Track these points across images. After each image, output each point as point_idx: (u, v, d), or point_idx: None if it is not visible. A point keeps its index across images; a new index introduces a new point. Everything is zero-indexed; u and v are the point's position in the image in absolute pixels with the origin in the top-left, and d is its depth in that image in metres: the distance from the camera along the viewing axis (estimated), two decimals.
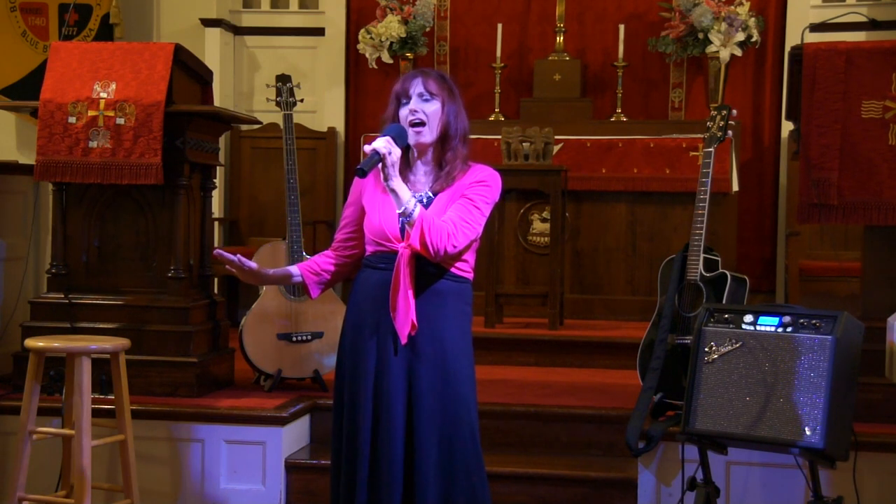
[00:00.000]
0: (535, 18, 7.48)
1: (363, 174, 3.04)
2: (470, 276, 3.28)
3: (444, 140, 3.21)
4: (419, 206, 3.10)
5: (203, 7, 7.45)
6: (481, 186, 3.21)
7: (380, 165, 3.07)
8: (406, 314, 3.12)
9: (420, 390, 3.17)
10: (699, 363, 3.56)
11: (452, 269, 3.21)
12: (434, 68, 7.32)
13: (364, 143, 6.96)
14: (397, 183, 3.07)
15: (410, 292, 3.12)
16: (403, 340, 3.14)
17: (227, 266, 3.26)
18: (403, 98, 3.21)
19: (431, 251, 3.08)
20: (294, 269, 3.37)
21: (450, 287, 3.22)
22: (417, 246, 3.07)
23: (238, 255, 3.24)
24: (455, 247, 3.12)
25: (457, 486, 3.18)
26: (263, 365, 4.92)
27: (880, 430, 4.08)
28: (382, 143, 3.05)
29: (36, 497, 4.10)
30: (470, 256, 3.24)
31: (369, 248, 3.26)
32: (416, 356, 3.17)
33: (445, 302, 3.21)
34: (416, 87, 3.20)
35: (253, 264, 3.27)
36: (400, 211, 3.08)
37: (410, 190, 3.19)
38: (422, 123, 3.18)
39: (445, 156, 3.21)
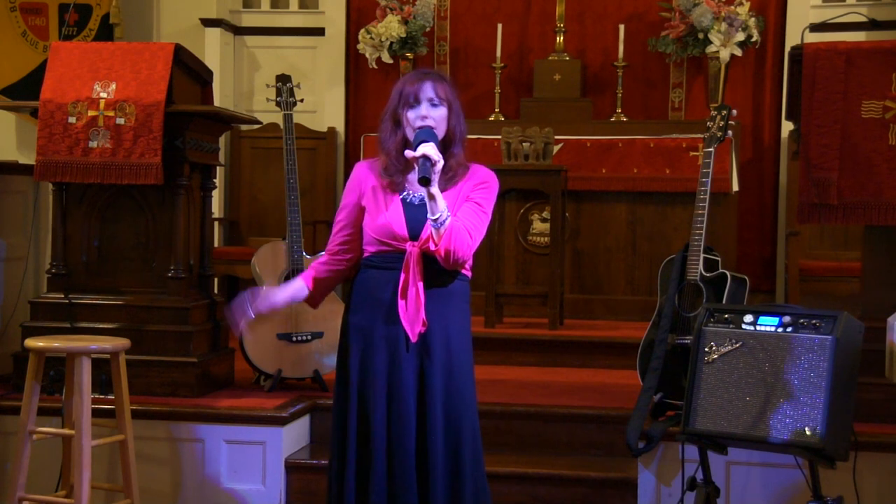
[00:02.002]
0: (535, 18, 7.48)
1: (428, 182, 3.03)
2: (470, 273, 3.32)
3: (446, 143, 3.23)
4: (450, 214, 3.12)
5: (203, 7, 7.45)
6: (484, 189, 3.25)
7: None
8: (417, 312, 3.15)
9: (430, 387, 3.20)
10: (699, 363, 3.56)
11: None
12: (434, 68, 7.39)
13: (365, 144, 6.98)
14: (437, 189, 3.08)
15: (421, 290, 3.14)
16: (414, 339, 3.17)
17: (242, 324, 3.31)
18: (412, 100, 3.21)
19: (451, 259, 3.12)
20: (300, 284, 3.36)
21: (454, 285, 3.25)
22: (441, 252, 3.11)
23: (252, 306, 3.29)
24: (470, 255, 3.18)
25: (464, 480, 3.21)
26: (263, 365, 4.92)
27: (880, 430, 4.08)
28: (432, 150, 3.06)
29: (36, 497, 4.10)
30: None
31: (371, 248, 3.26)
32: (425, 353, 3.20)
33: (451, 299, 3.24)
34: (427, 91, 3.21)
35: (266, 304, 3.30)
36: (434, 217, 3.08)
37: (410, 190, 3.21)
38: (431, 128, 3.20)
39: (448, 161, 3.22)
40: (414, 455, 3.19)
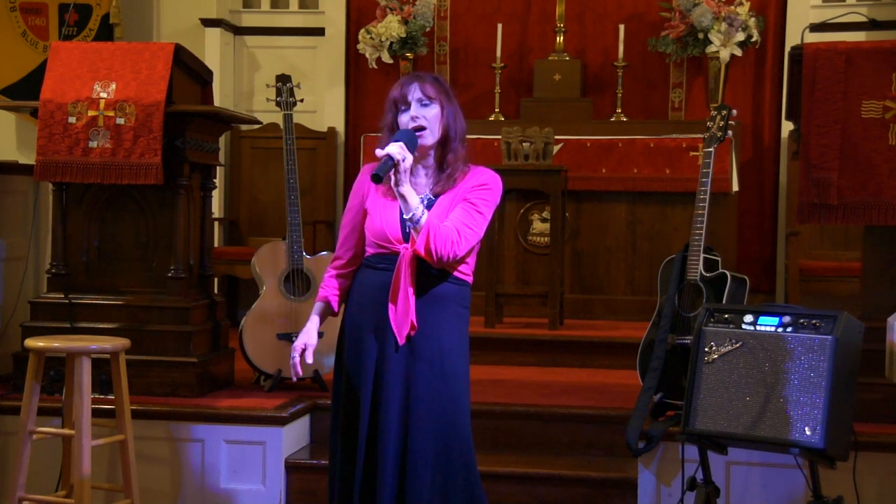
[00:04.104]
0: (535, 18, 7.48)
1: (379, 180, 3.05)
2: (470, 279, 3.29)
3: (444, 142, 3.23)
4: (426, 212, 3.11)
5: (203, 7, 7.45)
6: (483, 190, 3.22)
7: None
8: (405, 315, 3.13)
9: (417, 391, 3.18)
10: (699, 363, 3.56)
11: (454, 272, 3.23)
12: (433, 69, 7.39)
13: (365, 144, 6.98)
14: (407, 189, 3.08)
15: (411, 293, 3.13)
16: (401, 341, 3.15)
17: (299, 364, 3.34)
18: (402, 104, 3.21)
19: (435, 258, 3.10)
20: (323, 305, 3.36)
21: (450, 289, 3.23)
22: (422, 252, 3.09)
23: (303, 350, 3.31)
24: (457, 254, 3.14)
25: (454, 487, 3.19)
26: (263, 365, 4.92)
27: (880, 430, 4.08)
28: (396, 149, 3.06)
29: (36, 497, 4.10)
30: (471, 259, 3.26)
31: (370, 250, 3.26)
32: (414, 357, 3.18)
33: (445, 304, 3.22)
34: (415, 92, 3.21)
35: (312, 341, 3.32)
36: (408, 217, 3.09)
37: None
38: (423, 128, 3.19)
39: (446, 157, 3.22)
40: (395, 460, 3.16)
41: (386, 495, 3.15)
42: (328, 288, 3.35)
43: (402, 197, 3.08)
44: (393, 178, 3.07)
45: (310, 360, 3.31)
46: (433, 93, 3.21)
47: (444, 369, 3.19)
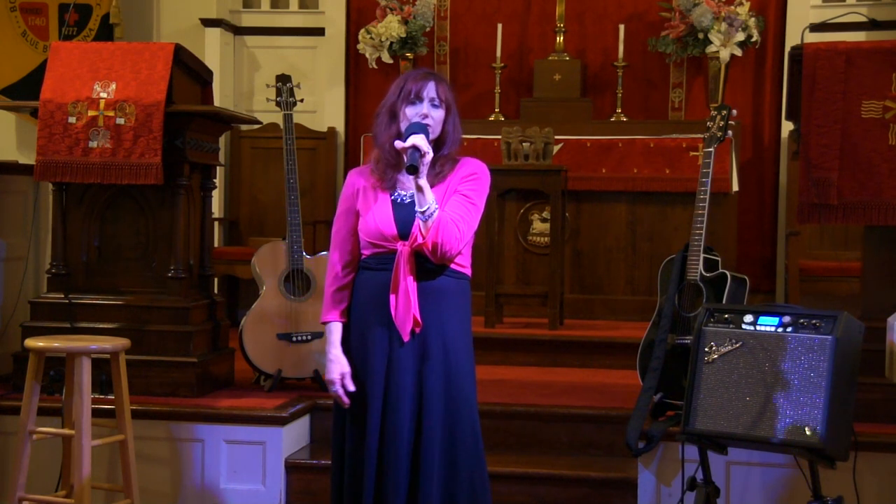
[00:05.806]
0: (535, 18, 7.48)
1: (416, 170, 3.05)
2: (468, 271, 3.30)
3: (438, 144, 3.24)
4: (438, 207, 3.12)
5: (203, 7, 7.45)
6: (472, 181, 3.24)
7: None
8: (407, 311, 3.14)
9: (427, 387, 3.18)
10: (699, 363, 3.56)
11: (452, 266, 3.23)
12: (433, 69, 7.39)
13: (365, 144, 6.98)
14: (425, 181, 3.09)
15: (412, 290, 3.14)
16: (406, 338, 3.16)
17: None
18: (413, 97, 3.21)
19: (439, 253, 3.12)
20: (337, 326, 3.32)
21: (450, 283, 3.23)
22: (429, 245, 3.10)
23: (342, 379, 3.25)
24: (458, 248, 3.16)
25: (459, 483, 3.20)
26: (263, 365, 4.92)
27: (880, 430, 4.08)
28: (422, 141, 3.08)
29: (36, 497, 4.10)
30: (467, 251, 3.26)
31: (365, 252, 3.26)
32: (422, 355, 3.19)
33: (446, 298, 3.22)
34: (430, 91, 3.22)
35: (347, 368, 3.26)
36: (422, 209, 3.09)
37: (400, 190, 3.21)
38: (428, 125, 3.20)
39: (438, 160, 3.23)
40: (407, 457, 3.17)
41: (400, 491, 3.15)
42: (334, 308, 3.30)
43: (420, 189, 3.09)
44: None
45: (351, 387, 3.24)
46: (444, 96, 3.23)
47: (448, 364, 3.20)
